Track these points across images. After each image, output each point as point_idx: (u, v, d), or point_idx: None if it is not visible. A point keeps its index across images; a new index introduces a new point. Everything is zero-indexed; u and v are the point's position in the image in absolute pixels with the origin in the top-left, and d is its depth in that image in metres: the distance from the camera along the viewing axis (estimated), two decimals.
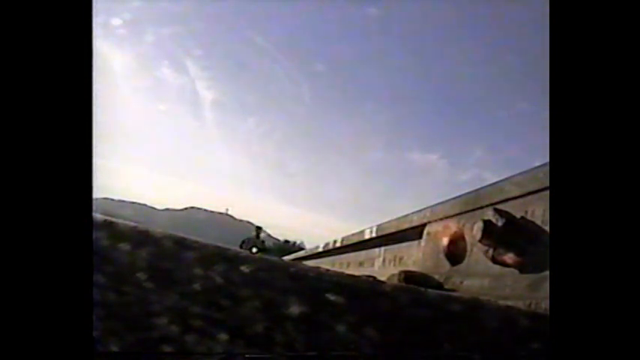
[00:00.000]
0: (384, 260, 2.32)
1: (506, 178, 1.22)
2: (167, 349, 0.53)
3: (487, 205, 1.24)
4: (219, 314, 0.57)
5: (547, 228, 1.02)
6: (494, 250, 1.13)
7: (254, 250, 9.78)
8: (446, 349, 0.61)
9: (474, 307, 0.69)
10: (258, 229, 10.52)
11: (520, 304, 0.91)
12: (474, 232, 1.17)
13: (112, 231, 0.63)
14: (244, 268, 0.63)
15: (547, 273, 0.95)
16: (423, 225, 1.72)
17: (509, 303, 0.84)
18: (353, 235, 2.83)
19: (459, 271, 1.37)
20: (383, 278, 1.14)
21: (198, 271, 0.61)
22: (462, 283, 1.30)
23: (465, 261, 1.37)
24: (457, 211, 1.47)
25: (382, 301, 0.64)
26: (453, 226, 1.47)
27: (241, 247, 9.89)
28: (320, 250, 3.98)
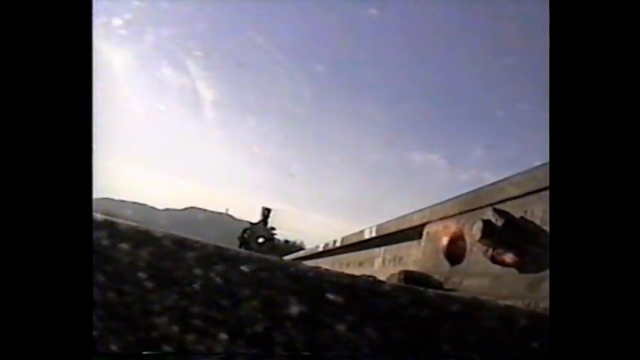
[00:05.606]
0: (383, 260, 2.32)
1: (506, 178, 1.23)
2: (167, 348, 0.53)
3: (487, 205, 1.24)
4: (219, 314, 0.57)
5: (546, 228, 1.02)
6: (494, 250, 1.14)
7: (260, 240, 7.92)
8: (445, 348, 0.61)
9: (473, 306, 0.69)
10: (267, 211, 8.42)
11: (519, 304, 0.91)
12: (473, 231, 1.18)
13: (112, 231, 0.63)
14: (244, 268, 0.63)
15: (546, 273, 0.95)
16: (423, 225, 1.73)
17: (509, 303, 0.84)
18: (353, 235, 2.83)
19: (459, 270, 1.37)
20: (383, 278, 1.14)
21: (198, 270, 0.61)
22: (461, 282, 1.30)
23: (465, 261, 1.37)
24: (457, 211, 1.48)
25: (382, 301, 0.64)
26: (452, 226, 1.48)
27: (242, 238, 8.14)
28: (320, 250, 3.98)
